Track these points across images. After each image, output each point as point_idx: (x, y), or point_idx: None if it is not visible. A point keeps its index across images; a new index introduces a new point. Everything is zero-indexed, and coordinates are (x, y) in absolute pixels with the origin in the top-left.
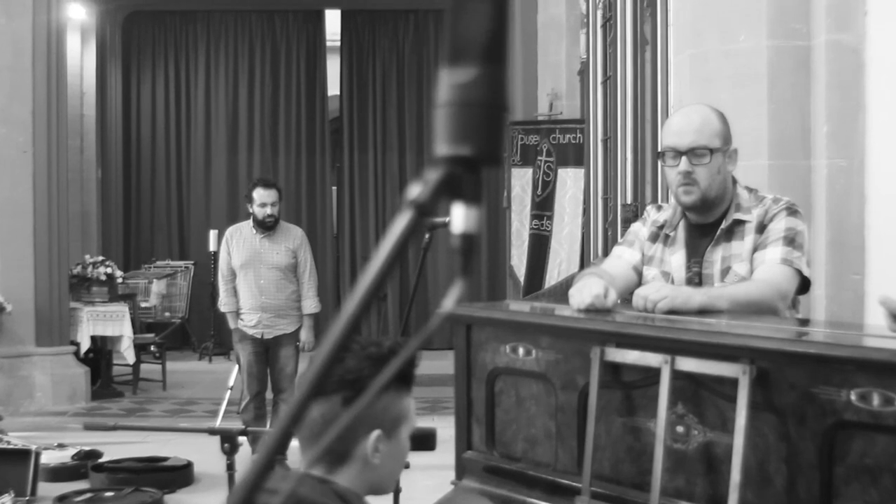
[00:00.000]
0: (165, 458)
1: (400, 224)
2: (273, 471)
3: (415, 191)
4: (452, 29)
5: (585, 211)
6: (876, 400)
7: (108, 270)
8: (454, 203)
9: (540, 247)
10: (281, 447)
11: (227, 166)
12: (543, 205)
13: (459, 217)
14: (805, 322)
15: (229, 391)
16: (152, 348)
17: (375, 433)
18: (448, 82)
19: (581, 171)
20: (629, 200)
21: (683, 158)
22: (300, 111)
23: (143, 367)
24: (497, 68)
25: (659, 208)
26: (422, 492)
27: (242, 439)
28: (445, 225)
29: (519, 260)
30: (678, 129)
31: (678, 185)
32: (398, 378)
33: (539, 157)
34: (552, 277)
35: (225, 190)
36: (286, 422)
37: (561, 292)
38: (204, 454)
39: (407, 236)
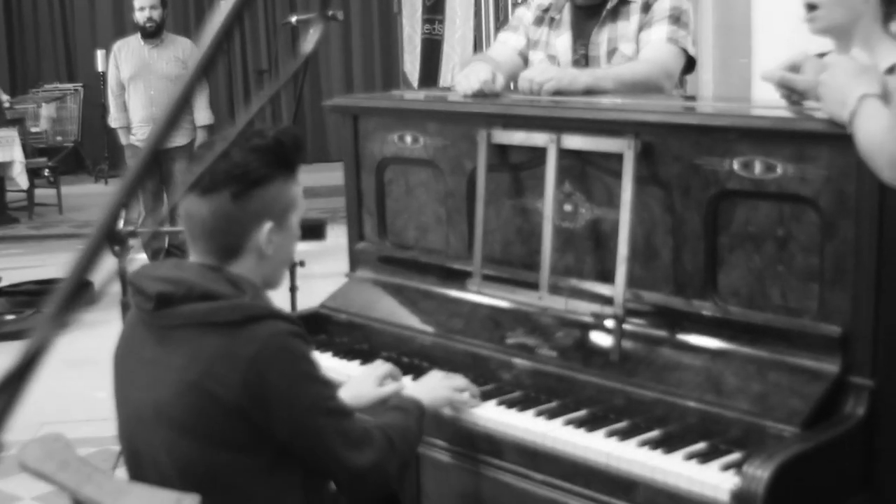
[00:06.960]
0: None
1: None
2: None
3: None
4: None
5: (477, 13)
6: (758, 168)
7: None
8: None
9: (432, 52)
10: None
11: None
12: (435, 8)
13: None
14: (691, 98)
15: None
16: (46, 173)
17: (268, 225)
18: None
19: None
20: None
21: None
22: None
23: (38, 192)
24: None
25: None
26: (318, 285)
27: (133, 242)
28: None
29: (412, 66)
30: None
31: None
32: (282, 165)
33: None
34: (446, 82)
35: (111, 6)
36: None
37: None
38: (103, 273)
39: (240, 6)
